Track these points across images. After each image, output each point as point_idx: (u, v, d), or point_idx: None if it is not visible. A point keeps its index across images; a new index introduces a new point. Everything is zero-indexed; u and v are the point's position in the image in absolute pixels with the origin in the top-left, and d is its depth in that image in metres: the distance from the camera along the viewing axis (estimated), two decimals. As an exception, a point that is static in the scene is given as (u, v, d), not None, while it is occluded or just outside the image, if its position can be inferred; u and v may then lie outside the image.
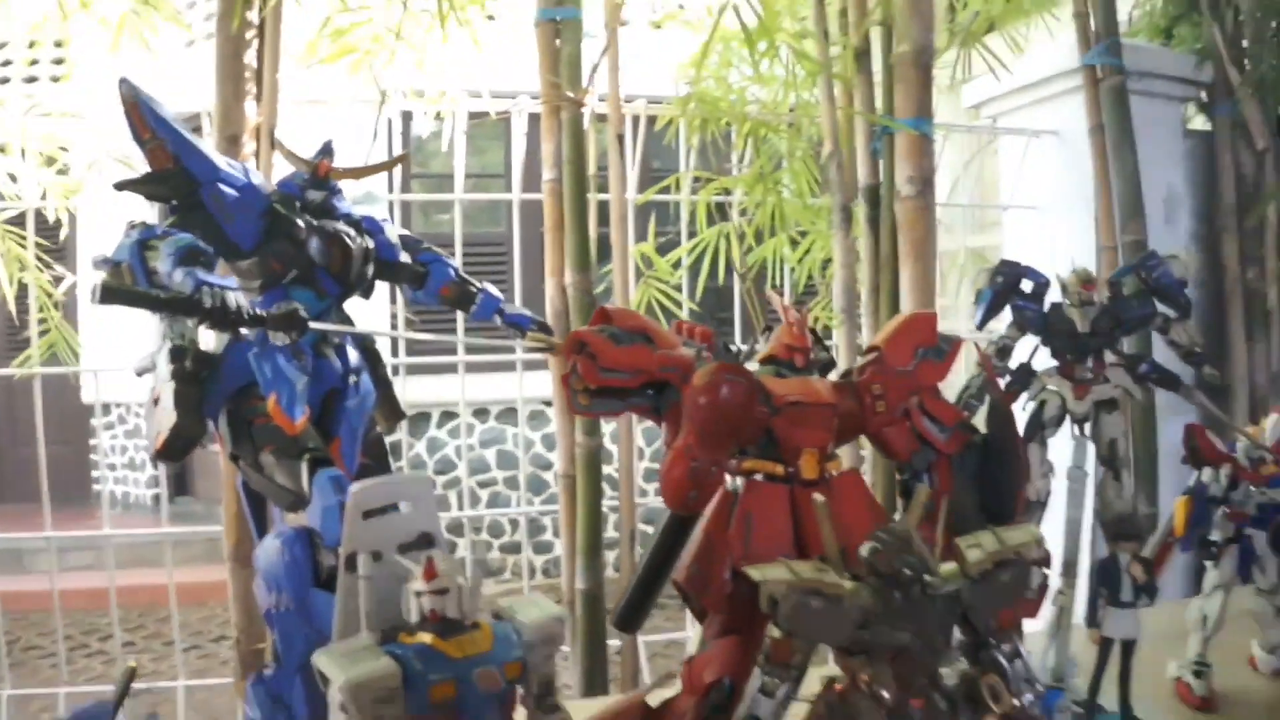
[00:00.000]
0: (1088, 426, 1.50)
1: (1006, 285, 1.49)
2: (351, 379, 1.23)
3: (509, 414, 4.25)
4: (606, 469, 2.40)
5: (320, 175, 1.26)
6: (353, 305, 1.33)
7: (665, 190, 2.62)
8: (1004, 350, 1.51)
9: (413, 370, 4.07)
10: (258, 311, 1.10)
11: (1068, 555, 1.55)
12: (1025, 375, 1.51)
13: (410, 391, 4.17)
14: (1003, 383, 1.50)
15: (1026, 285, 1.51)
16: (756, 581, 0.92)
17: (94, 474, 4.78)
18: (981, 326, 1.55)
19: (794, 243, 2.73)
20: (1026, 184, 2.89)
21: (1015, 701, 0.97)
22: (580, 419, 2.38)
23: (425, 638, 0.90)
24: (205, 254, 1.13)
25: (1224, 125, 2.99)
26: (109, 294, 1.07)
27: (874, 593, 0.91)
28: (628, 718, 1.25)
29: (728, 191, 2.69)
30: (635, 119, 2.67)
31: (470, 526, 4.57)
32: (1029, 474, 1.19)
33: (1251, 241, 2.97)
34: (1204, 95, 3.06)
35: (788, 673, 0.92)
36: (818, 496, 0.99)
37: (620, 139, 2.39)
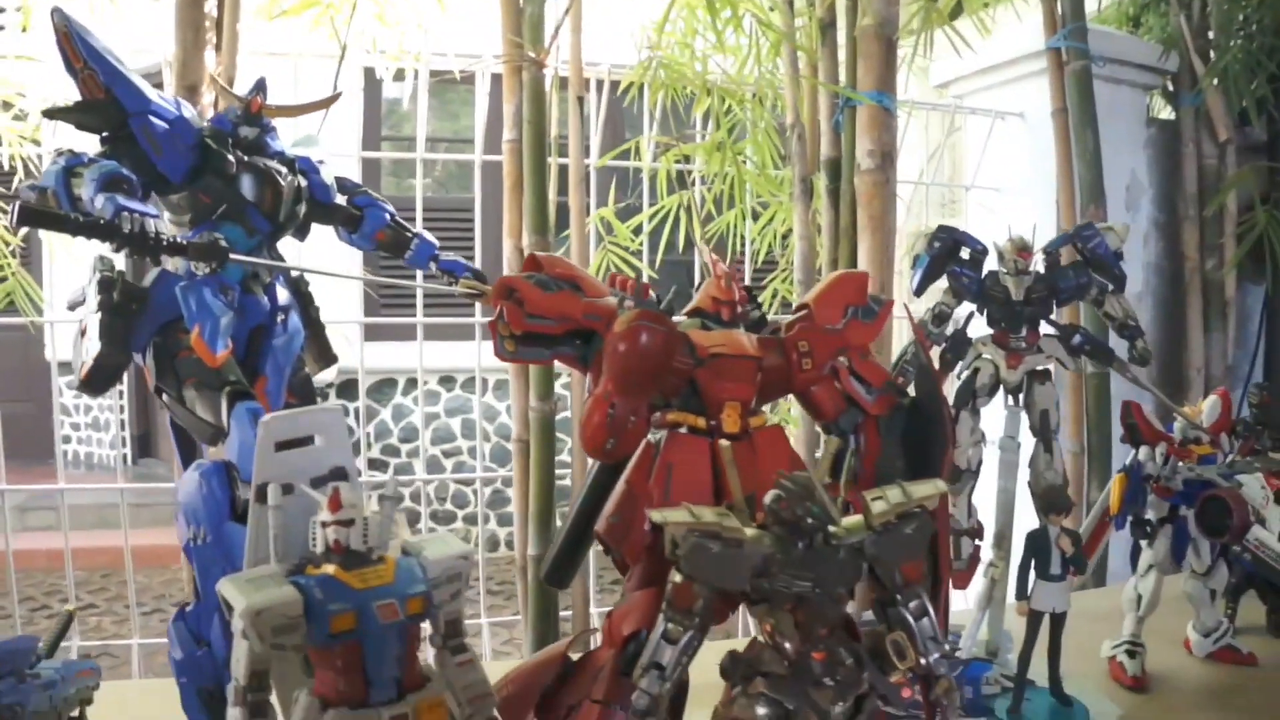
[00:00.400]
0: (1022, 397, 1.50)
1: (943, 250, 1.48)
2: (279, 317, 1.22)
3: (474, 383, 4.23)
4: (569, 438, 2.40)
5: (252, 112, 1.24)
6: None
7: (625, 155, 2.60)
8: (940, 317, 1.50)
9: (373, 334, 4.10)
10: (178, 239, 1.08)
11: (1000, 527, 1.56)
12: (960, 343, 1.50)
13: (375, 358, 4.18)
14: (938, 350, 1.50)
15: (965, 253, 1.50)
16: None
17: (60, 434, 4.72)
18: (918, 291, 1.54)
19: (755, 215, 2.72)
20: (991, 165, 2.89)
21: (922, 660, 0.97)
22: (535, 385, 2.38)
23: (328, 568, 0.88)
24: (129, 181, 1.11)
25: (1188, 115, 3.00)
26: (27, 216, 1.05)
27: (776, 540, 0.90)
28: (547, 670, 1.25)
29: (689, 160, 2.67)
30: (600, 83, 2.65)
31: (436, 496, 4.57)
32: (955, 437, 1.18)
33: (1212, 231, 2.99)
34: (1169, 84, 3.06)
35: (690, 620, 0.91)
36: (724, 442, 0.99)
37: (580, 101, 2.37)
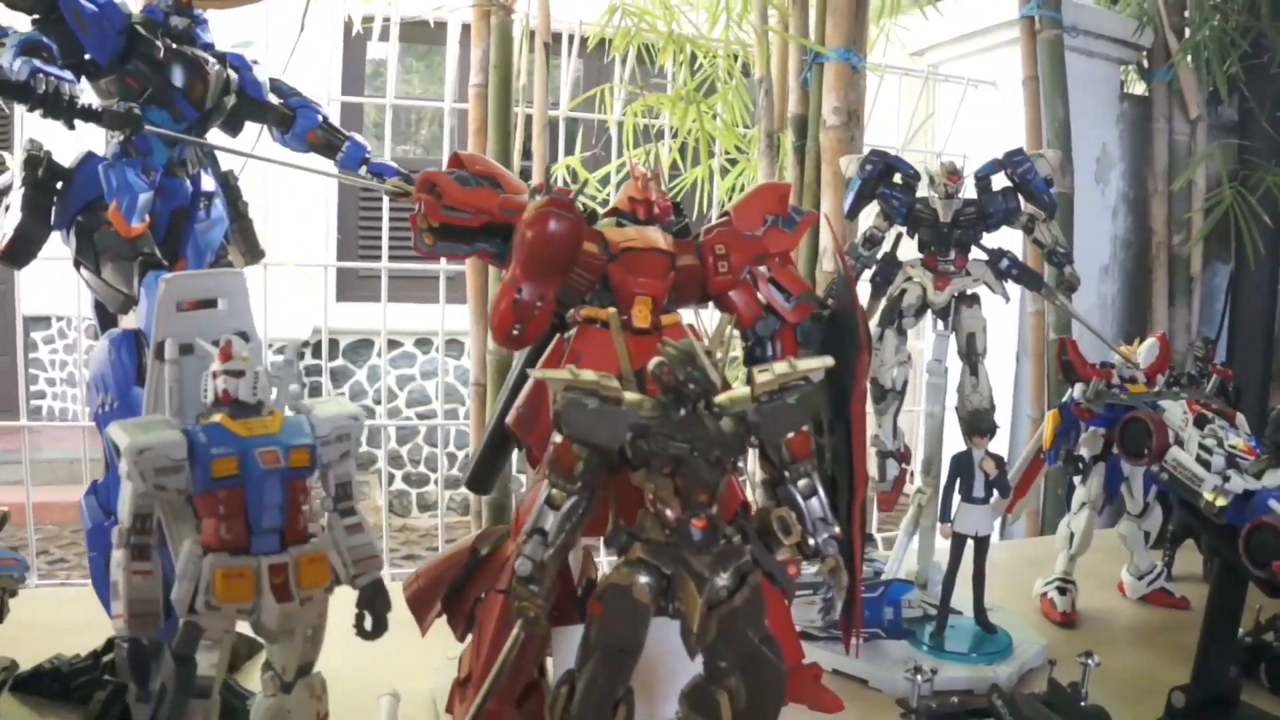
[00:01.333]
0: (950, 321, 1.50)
1: (875, 173, 1.48)
2: (203, 203, 1.22)
3: (452, 345, 4.24)
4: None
5: (184, 2, 1.24)
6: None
7: (593, 106, 2.60)
8: (870, 240, 1.50)
9: (348, 294, 4.07)
10: (92, 105, 1.08)
11: (928, 453, 1.56)
12: (890, 265, 1.50)
13: (350, 319, 4.18)
14: (869, 273, 1.50)
15: (898, 178, 1.49)
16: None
17: (33, 389, 4.72)
18: (850, 214, 1.54)
19: (725, 171, 2.72)
20: (962, 133, 2.88)
21: (810, 540, 0.97)
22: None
23: (216, 417, 0.89)
24: (48, 49, 1.11)
25: (1160, 90, 3.00)
26: (-63, 77, 1.05)
27: (657, 405, 0.90)
28: (456, 563, 1.25)
29: (656, 115, 2.67)
30: (570, 38, 2.65)
31: (409, 459, 4.58)
32: (869, 343, 1.18)
33: (1180, 207, 2.99)
34: (1143, 60, 3.06)
35: (572, 484, 0.91)
36: (611, 310, 0.99)
37: (546, 47, 2.37)
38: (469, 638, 1.22)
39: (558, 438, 0.90)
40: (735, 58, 2.64)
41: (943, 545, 1.52)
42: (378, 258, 2.57)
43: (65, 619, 1.39)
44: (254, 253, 1.33)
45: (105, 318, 1.21)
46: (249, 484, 0.88)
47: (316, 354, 4.30)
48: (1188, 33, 2.96)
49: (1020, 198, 1.49)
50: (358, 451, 0.96)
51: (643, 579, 0.90)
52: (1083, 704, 1.24)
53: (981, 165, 1.50)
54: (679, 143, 2.64)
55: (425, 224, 1.18)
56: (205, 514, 0.89)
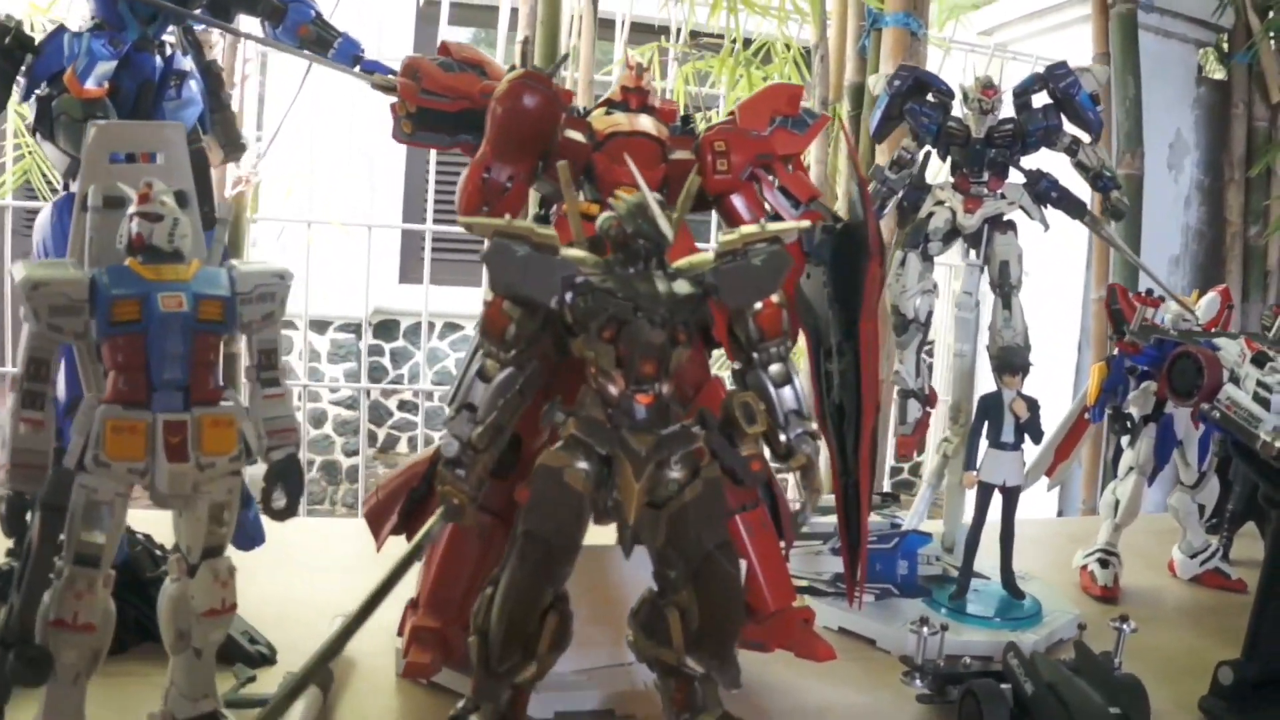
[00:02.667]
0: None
1: (904, 89, 1.32)
2: (174, 80, 1.13)
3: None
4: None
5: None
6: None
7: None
8: (899, 162, 1.34)
9: (406, 277, 3.97)
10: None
11: (956, 397, 1.38)
12: (919, 190, 1.34)
13: (408, 300, 4.11)
14: (894, 200, 1.34)
15: (931, 97, 1.33)
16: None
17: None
18: (877, 135, 1.39)
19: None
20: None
21: (783, 436, 0.82)
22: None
23: (128, 261, 0.78)
24: None
25: (1240, 73, 2.77)
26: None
27: (601, 261, 0.76)
28: (414, 477, 1.12)
29: (711, 84, 2.54)
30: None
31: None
32: (881, 250, 1.03)
33: (1257, 196, 2.75)
34: (1223, 42, 2.83)
35: (505, 350, 0.78)
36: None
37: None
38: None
39: (489, 296, 0.78)
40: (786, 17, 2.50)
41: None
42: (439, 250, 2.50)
43: None
44: (234, 145, 1.23)
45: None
46: (150, 330, 0.77)
47: (378, 334, 4.24)
48: (1271, 13, 2.72)
49: (1063, 116, 1.31)
50: (283, 315, 0.85)
51: (579, 464, 0.76)
52: (1115, 674, 1.06)
53: (1021, 80, 1.33)
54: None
55: (404, 110, 1.09)
56: (108, 365, 0.78)
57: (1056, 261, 2.52)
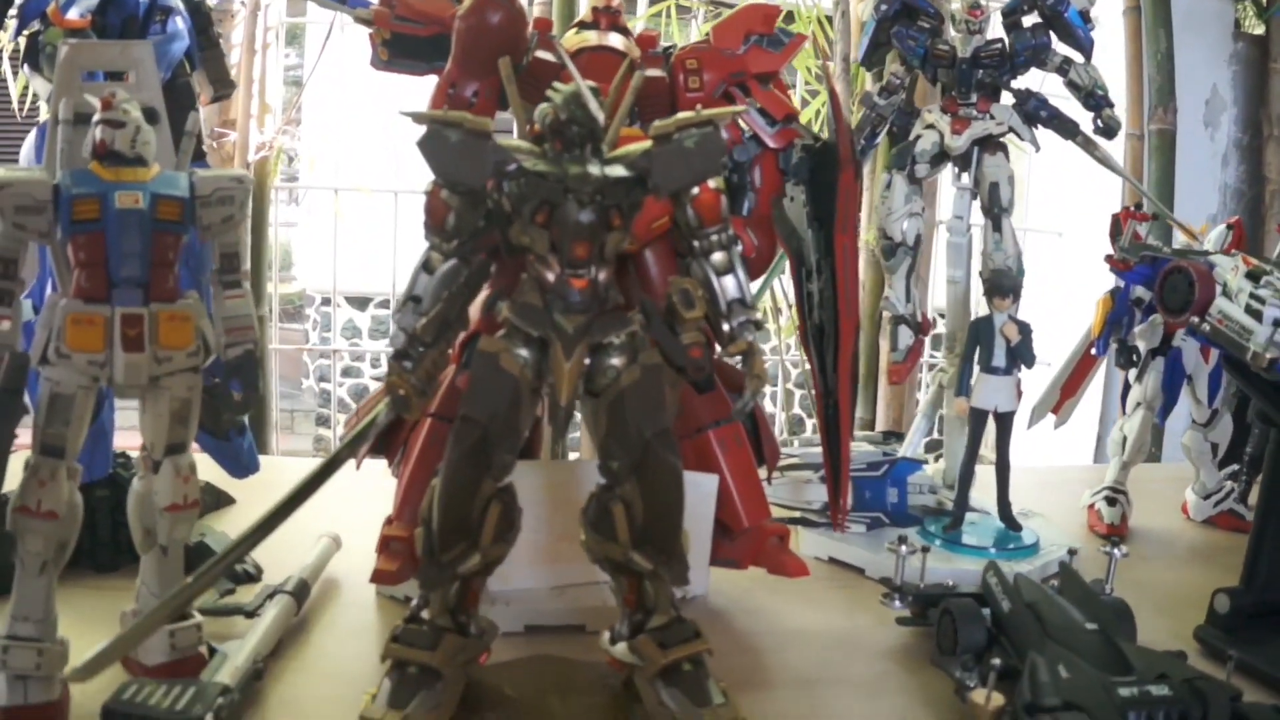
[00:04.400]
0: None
1: (891, 13, 1.29)
2: (158, 16, 1.15)
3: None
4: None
5: None
6: None
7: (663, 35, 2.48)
8: (888, 88, 1.31)
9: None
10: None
11: (950, 326, 1.35)
12: (908, 115, 1.31)
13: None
14: (885, 127, 1.31)
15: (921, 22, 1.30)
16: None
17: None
18: (865, 61, 1.36)
19: (805, 102, 2.55)
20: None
21: (726, 325, 0.81)
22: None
23: (91, 165, 0.80)
24: None
25: (1279, 28, 2.66)
26: None
27: (534, 148, 0.76)
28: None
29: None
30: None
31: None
32: (853, 159, 1.01)
33: (1299, 154, 2.64)
34: (1263, -5, 2.72)
35: (447, 241, 0.78)
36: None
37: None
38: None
39: (428, 184, 0.78)
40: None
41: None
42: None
43: None
44: (223, 82, 1.25)
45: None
46: (109, 229, 0.78)
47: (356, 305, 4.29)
48: (1316, -35, 2.62)
49: (1052, 35, 1.28)
50: (243, 219, 0.86)
51: (517, 350, 0.76)
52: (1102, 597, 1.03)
53: (1008, 1, 1.30)
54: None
55: (380, 37, 1.10)
56: (71, 264, 0.80)
57: (1086, 219, 2.46)
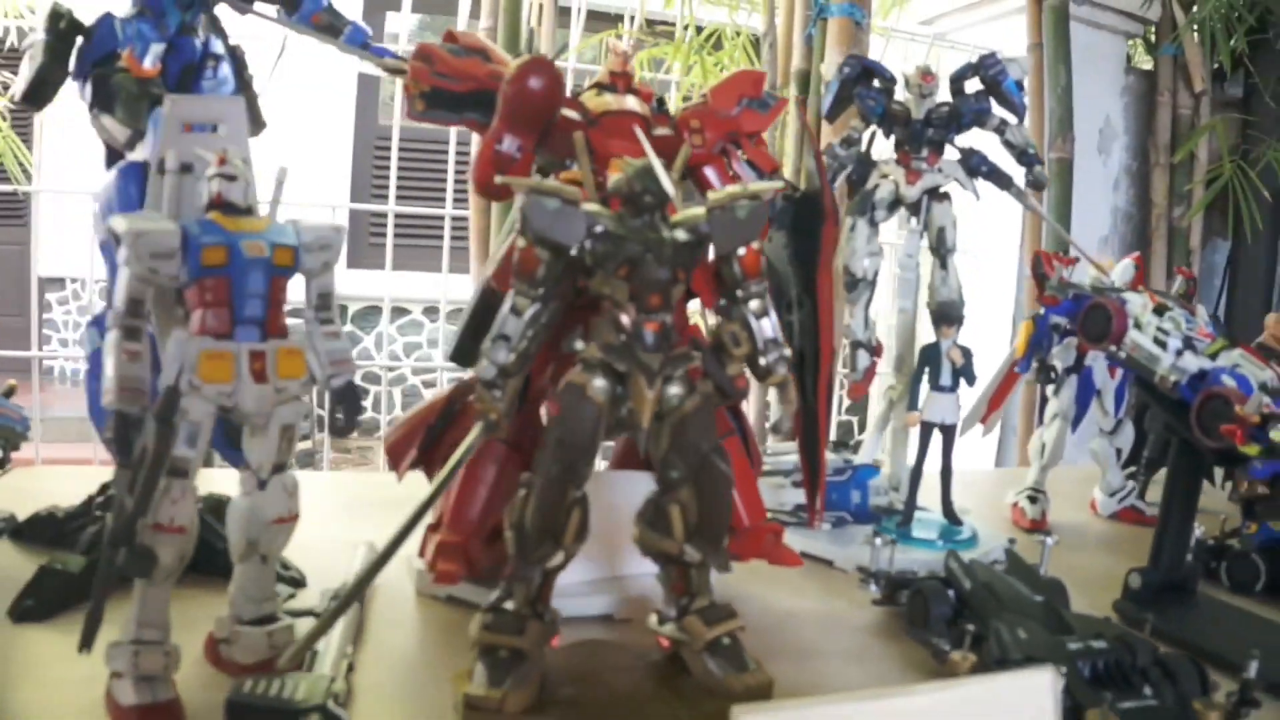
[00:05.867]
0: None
1: (852, 75, 1.56)
2: (210, 63, 1.30)
3: (456, 315, 4.34)
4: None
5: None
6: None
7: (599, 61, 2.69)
8: (848, 140, 1.58)
9: (358, 261, 4.12)
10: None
11: (900, 350, 1.62)
12: (865, 164, 1.58)
13: (360, 286, 4.27)
14: (844, 174, 1.57)
15: (876, 82, 1.57)
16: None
17: (46, 349, 4.84)
18: (829, 115, 1.62)
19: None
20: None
21: (763, 360, 1.03)
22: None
23: (210, 215, 0.96)
24: None
25: (1165, 64, 3.07)
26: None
27: (615, 214, 0.97)
28: (433, 412, 1.31)
29: (666, 69, 2.76)
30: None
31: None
32: (835, 213, 1.25)
33: (1181, 180, 3.04)
34: (1150, 33, 3.12)
35: (535, 289, 0.97)
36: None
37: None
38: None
39: (522, 242, 0.97)
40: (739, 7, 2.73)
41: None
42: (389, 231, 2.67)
43: (67, 491, 1.44)
44: (256, 123, 1.40)
45: (112, 159, 1.29)
46: (235, 273, 0.95)
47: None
48: (1195, 8, 3.02)
49: (992, 100, 1.56)
50: (335, 263, 1.04)
51: (598, 381, 0.97)
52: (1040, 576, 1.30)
53: (956, 69, 1.57)
54: (683, 95, 2.72)
55: (417, 89, 1.27)
56: (193, 305, 0.96)
57: (995, 242, 2.79)
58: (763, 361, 1.03)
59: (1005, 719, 0.76)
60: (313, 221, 1.02)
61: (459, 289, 2.64)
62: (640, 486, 1.06)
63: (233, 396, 0.95)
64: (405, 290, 4.18)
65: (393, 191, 2.72)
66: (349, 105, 4.59)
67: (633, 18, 2.72)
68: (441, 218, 2.70)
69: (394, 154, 2.67)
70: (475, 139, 1.30)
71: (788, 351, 1.04)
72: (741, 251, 1.01)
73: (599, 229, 0.95)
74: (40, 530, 1.35)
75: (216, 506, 1.31)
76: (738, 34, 2.79)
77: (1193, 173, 3.02)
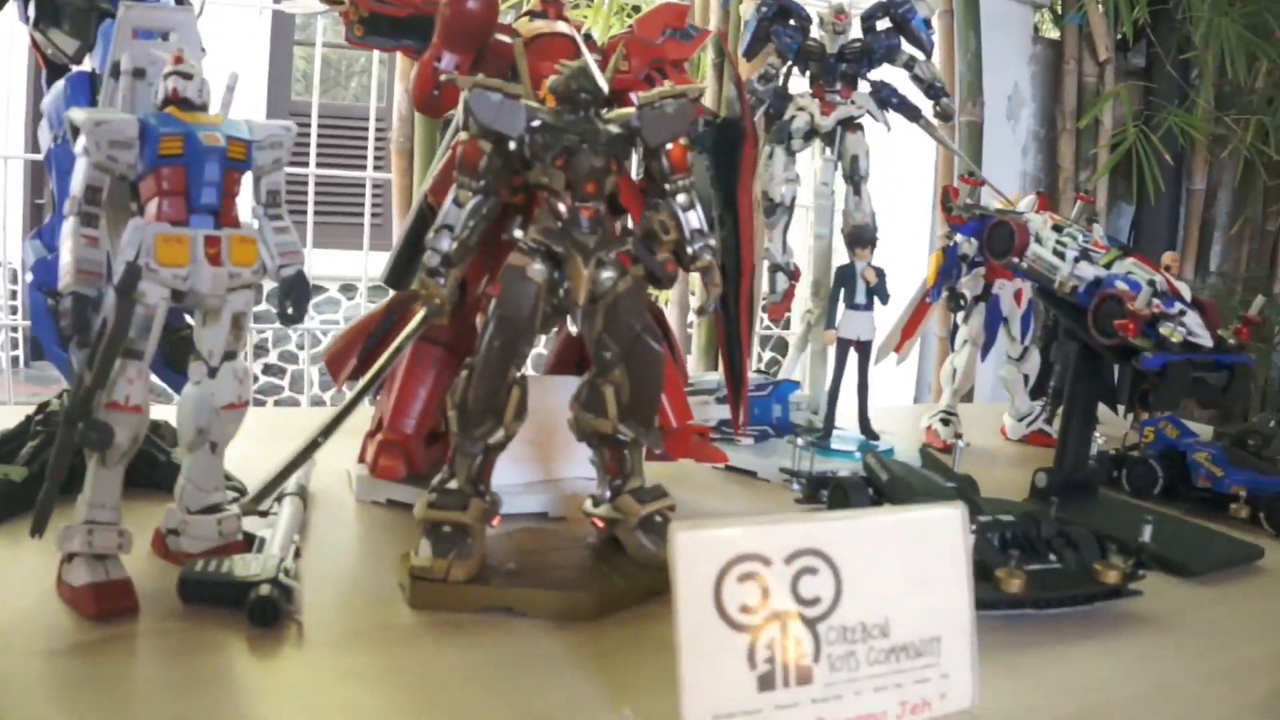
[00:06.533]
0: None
1: (769, 14, 1.69)
2: None
3: (376, 292, 4.37)
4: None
5: None
6: None
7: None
8: (765, 76, 1.71)
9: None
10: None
11: (817, 275, 1.75)
12: (782, 98, 1.71)
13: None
14: (762, 109, 1.70)
15: (792, 21, 1.71)
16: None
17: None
18: (747, 53, 1.75)
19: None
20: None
21: (689, 248, 1.14)
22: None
23: (167, 110, 1.04)
24: None
25: (1071, 34, 3.27)
26: None
27: (552, 109, 1.07)
28: (371, 321, 1.40)
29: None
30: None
31: (331, 404, 4.68)
32: (754, 134, 1.37)
33: (1086, 145, 3.24)
34: (1057, 4, 3.32)
35: (476, 181, 1.06)
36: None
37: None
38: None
39: (464, 135, 1.07)
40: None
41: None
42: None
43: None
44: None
45: (54, 75, 1.35)
46: (191, 162, 1.02)
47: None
48: (1100, -22, 3.24)
49: (901, 38, 1.70)
50: (286, 161, 1.11)
51: (536, 265, 1.06)
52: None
53: (868, 8, 1.71)
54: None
55: (356, 14, 1.35)
56: (149, 194, 1.03)
57: (910, 173, 2.95)
58: (689, 249, 1.13)
59: (922, 545, 0.86)
60: (265, 120, 1.10)
61: (379, 266, 2.70)
62: (569, 390, 1.16)
63: (188, 280, 1.02)
64: (321, 269, 4.21)
65: (313, 156, 2.77)
66: (260, 84, 4.62)
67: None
68: (362, 186, 2.77)
69: (314, 119, 2.72)
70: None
71: (713, 241, 1.15)
72: (670, 147, 1.11)
73: (537, 123, 1.05)
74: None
75: (158, 426, 1.39)
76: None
77: (1098, 138, 3.23)
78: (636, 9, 2.91)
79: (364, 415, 1.42)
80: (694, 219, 1.13)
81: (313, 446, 1.03)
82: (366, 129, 2.80)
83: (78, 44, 1.26)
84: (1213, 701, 0.93)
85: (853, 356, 1.65)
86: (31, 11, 1.31)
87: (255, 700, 0.85)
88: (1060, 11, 3.32)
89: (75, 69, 1.27)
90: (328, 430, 1.03)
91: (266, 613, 0.97)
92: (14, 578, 1.06)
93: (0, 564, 1.10)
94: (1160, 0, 3.18)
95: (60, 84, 1.23)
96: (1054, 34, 3.40)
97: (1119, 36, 3.24)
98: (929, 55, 1.72)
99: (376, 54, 2.84)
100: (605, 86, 1.07)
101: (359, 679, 0.89)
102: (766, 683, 0.74)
